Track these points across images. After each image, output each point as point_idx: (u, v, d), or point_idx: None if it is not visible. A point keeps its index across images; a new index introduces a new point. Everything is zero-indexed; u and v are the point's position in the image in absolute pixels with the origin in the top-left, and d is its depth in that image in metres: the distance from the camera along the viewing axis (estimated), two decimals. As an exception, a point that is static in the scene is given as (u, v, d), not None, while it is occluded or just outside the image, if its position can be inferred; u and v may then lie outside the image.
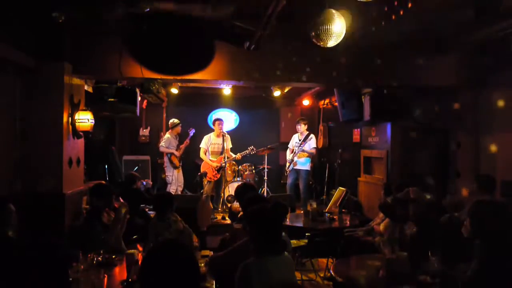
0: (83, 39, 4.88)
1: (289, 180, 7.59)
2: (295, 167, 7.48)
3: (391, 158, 6.43)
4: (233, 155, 7.62)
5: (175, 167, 7.76)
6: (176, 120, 7.97)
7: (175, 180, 7.74)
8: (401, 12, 3.99)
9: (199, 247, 4.13)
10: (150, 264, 1.76)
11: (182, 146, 7.96)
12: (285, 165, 7.71)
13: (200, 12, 4.33)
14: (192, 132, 8.14)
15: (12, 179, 4.47)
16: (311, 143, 7.44)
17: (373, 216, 5.46)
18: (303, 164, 7.47)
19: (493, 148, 5.22)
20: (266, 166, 8.01)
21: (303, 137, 7.44)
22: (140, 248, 3.43)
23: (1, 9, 3.91)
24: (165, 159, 7.81)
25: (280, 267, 2.52)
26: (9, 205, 2.90)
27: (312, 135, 7.49)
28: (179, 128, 7.96)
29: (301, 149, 7.39)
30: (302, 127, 7.53)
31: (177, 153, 7.79)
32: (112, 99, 5.65)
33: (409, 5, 3.89)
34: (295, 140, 7.62)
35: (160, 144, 7.77)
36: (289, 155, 7.60)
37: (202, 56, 5.15)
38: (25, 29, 4.38)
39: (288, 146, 7.75)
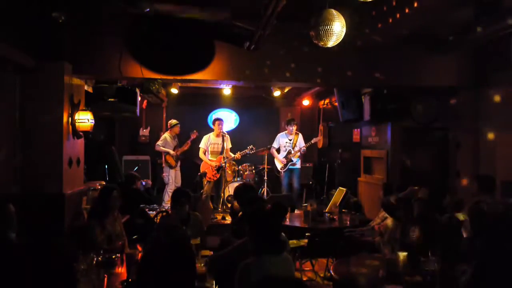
0: (83, 39, 4.88)
1: (285, 180, 7.70)
2: (292, 167, 7.61)
3: (391, 158, 6.43)
4: (233, 155, 7.63)
5: (171, 167, 7.77)
6: (174, 121, 7.99)
7: (172, 180, 7.74)
8: (403, 12, 4.00)
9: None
10: (147, 264, 1.76)
11: (181, 149, 7.94)
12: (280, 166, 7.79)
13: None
14: (194, 135, 8.08)
15: (12, 179, 4.47)
16: (301, 142, 7.66)
17: (373, 216, 5.46)
18: (297, 162, 7.69)
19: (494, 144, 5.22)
20: (266, 166, 8.01)
21: (293, 137, 7.62)
22: (140, 248, 3.43)
23: (1, 8, 3.91)
24: (162, 159, 7.83)
25: (279, 266, 2.52)
26: (9, 205, 2.90)
27: (300, 134, 7.75)
28: (177, 129, 7.97)
29: (297, 148, 7.55)
30: (294, 128, 7.68)
31: (173, 153, 7.78)
32: (112, 99, 5.64)
33: (410, 6, 3.89)
34: (284, 140, 7.72)
35: (157, 143, 7.79)
36: (282, 156, 7.64)
37: (202, 56, 5.15)
38: (25, 29, 4.37)
39: (274, 146, 7.83)
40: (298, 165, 7.73)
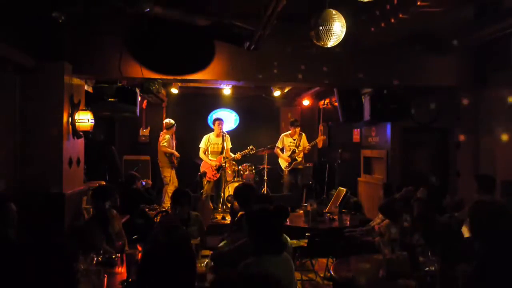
0: (83, 39, 4.89)
1: (289, 179, 7.74)
2: (297, 166, 7.70)
3: (391, 158, 6.43)
4: (233, 155, 7.64)
5: (173, 167, 7.77)
6: (172, 121, 7.97)
7: (172, 180, 7.74)
8: (403, 12, 4.00)
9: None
10: (147, 264, 1.76)
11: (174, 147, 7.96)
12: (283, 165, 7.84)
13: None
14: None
15: (12, 178, 4.47)
16: (305, 142, 7.79)
17: (373, 216, 5.45)
18: (301, 161, 7.80)
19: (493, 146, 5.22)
20: (266, 166, 8.02)
21: (296, 137, 7.74)
22: (140, 248, 3.43)
23: (1, 8, 3.91)
24: (164, 159, 7.78)
25: (279, 267, 2.52)
26: (9, 204, 2.90)
27: (303, 134, 7.88)
28: (174, 129, 7.97)
29: (301, 148, 7.66)
30: (298, 129, 7.79)
31: (177, 154, 7.79)
32: (112, 99, 5.64)
33: (410, 7, 3.89)
34: (288, 140, 7.81)
35: (162, 144, 7.75)
36: (286, 155, 7.67)
37: (202, 56, 5.15)
38: (25, 29, 4.37)
39: (277, 146, 7.89)
40: (302, 165, 7.88)
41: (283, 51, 5.25)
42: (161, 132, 7.97)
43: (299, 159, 7.69)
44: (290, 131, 7.84)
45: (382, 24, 4.31)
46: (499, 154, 5.20)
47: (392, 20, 3.96)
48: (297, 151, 7.67)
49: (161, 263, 1.77)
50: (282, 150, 7.85)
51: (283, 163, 7.81)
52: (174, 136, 8.11)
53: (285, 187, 7.81)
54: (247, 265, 2.45)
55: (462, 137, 5.74)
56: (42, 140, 4.58)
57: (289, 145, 7.76)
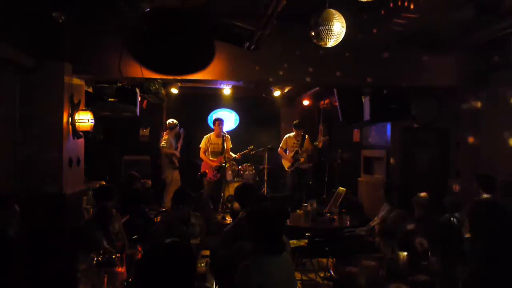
0: (83, 39, 4.89)
1: (292, 180, 7.75)
2: (300, 167, 7.73)
3: (391, 158, 6.44)
4: (233, 155, 7.64)
5: (174, 168, 7.76)
6: (175, 121, 7.94)
7: (174, 181, 7.73)
8: (404, 12, 4.00)
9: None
10: (147, 264, 1.77)
11: (179, 148, 7.93)
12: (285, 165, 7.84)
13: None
14: (181, 130, 8.05)
15: (12, 179, 4.47)
16: (308, 143, 7.82)
17: (373, 216, 5.45)
18: (304, 162, 7.80)
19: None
20: (266, 166, 8.02)
21: (300, 138, 7.76)
22: (140, 248, 3.43)
23: (1, 9, 3.91)
24: (165, 160, 7.77)
25: (279, 267, 2.52)
26: (14, 205, 2.92)
27: (307, 135, 7.89)
28: (177, 129, 7.96)
29: (304, 148, 7.71)
30: (301, 131, 7.83)
31: (177, 154, 7.78)
32: (112, 99, 5.64)
33: (410, 6, 3.89)
34: (292, 141, 7.84)
35: (162, 145, 7.74)
36: (289, 155, 7.69)
37: (202, 56, 5.15)
38: (25, 29, 4.37)
39: (281, 147, 7.92)
40: (305, 165, 7.90)
41: (283, 51, 5.25)
42: (163, 133, 7.97)
43: (302, 160, 7.70)
44: (294, 133, 7.85)
45: (383, 25, 4.31)
46: (499, 154, 5.20)
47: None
48: (300, 152, 7.69)
49: (161, 263, 1.77)
50: (285, 151, 7.86)
51: (286, 163, 7.81)
52: (182, 135, 8.06)
53: (288, 187, 7.81)
54: (247, 265, 2.45)
55: (466, 138, 5.74)
56: (42, 140, 4.58)
57: (293, 145, 7.78)
